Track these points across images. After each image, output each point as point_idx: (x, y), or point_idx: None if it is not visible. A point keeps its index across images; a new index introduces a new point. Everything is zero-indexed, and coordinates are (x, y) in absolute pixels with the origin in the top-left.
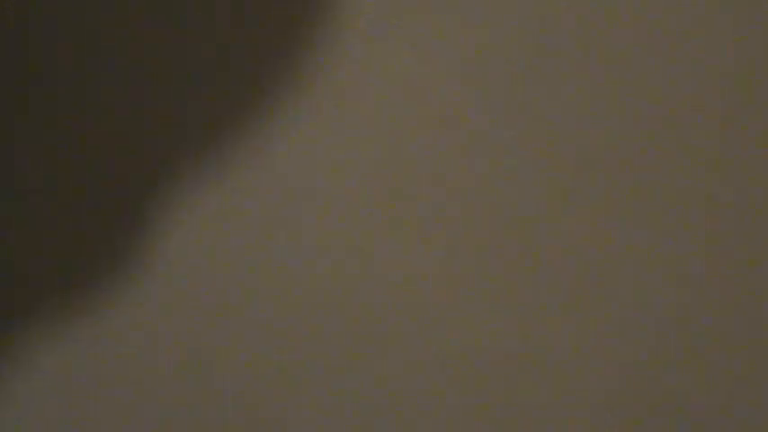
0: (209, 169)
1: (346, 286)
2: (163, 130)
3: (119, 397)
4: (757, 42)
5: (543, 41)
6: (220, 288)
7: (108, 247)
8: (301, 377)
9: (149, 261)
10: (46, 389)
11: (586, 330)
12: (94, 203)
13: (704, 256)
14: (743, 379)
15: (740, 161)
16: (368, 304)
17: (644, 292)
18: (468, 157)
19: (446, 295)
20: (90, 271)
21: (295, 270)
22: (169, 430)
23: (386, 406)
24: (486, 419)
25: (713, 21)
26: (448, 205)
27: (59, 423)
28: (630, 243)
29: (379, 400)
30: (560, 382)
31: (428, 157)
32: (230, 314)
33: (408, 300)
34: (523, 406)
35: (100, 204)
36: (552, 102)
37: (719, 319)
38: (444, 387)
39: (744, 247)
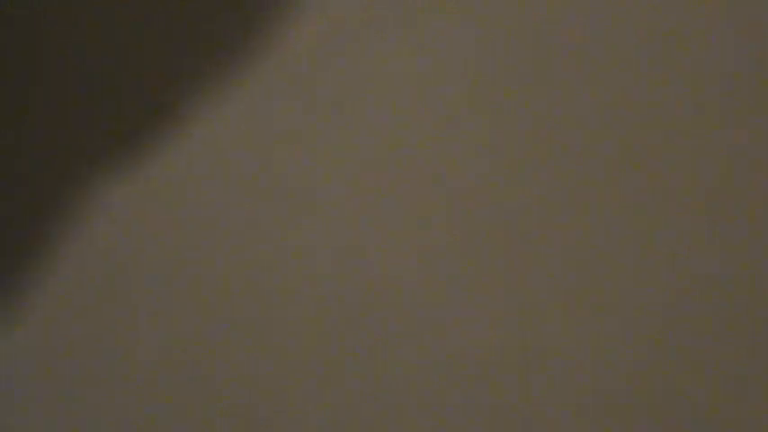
0: (209, 169)
1: (346, 286)
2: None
3: (115, 397)
4: (757, 42)
5: (543, 41)
6: (220, 288)
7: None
8: (301, 377)
9: (148, 260)
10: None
11: (586, 330)
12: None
13: (704, 256)
14: (743, 379)
15: (740, 161)
16: (367, 304)
17: (644, 291)
18: (467, 157)
19: (446, 295)
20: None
21: (295, 270)
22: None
23: (385, 406)
24: (485, 419)
25: (713, 21)
26: (448, 205)
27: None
28: (631, 243)
29: (379, 400)
30: (560, 382)
31: (428, 157)
32: (229, 314)
33: (408, 299)
34: (523, 406)
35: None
36: (552, 101)
37: (719, 319)
38: (444, 387)
39: (744, 247)
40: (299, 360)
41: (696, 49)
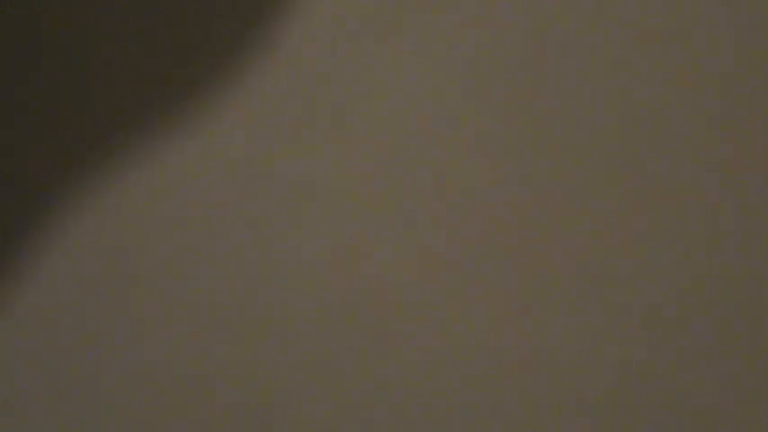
0: (208, 168)
1: (346, 286)
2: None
3: (115, 397)
4: (757, 42)
5: (543, 41)
6: (220, 287)
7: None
8: (301, 376)
9: (147, 260)
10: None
11: (587, 330)
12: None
13: (704, 256)
14: (743, 379)
15: (740, 161)
16: (367, 304)
17: (644, 291)
18: (467, 157)
19: (447, 295)
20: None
21: (295, 270)
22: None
23: (386, 406)
24: (485, 420)
25: (713, 21)
26: (448, 205)
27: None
28: (631, 243)
29: (379, 400)
30: (560, 382)
31: (428, 157)
32: (228, 313)
33: (409, 299)
34: (523, 406)
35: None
36: (552, 102)
37: (719, 319)
38: (444, 387)
39: (744, 247)
40: (299, 359)
41: (696, 49)
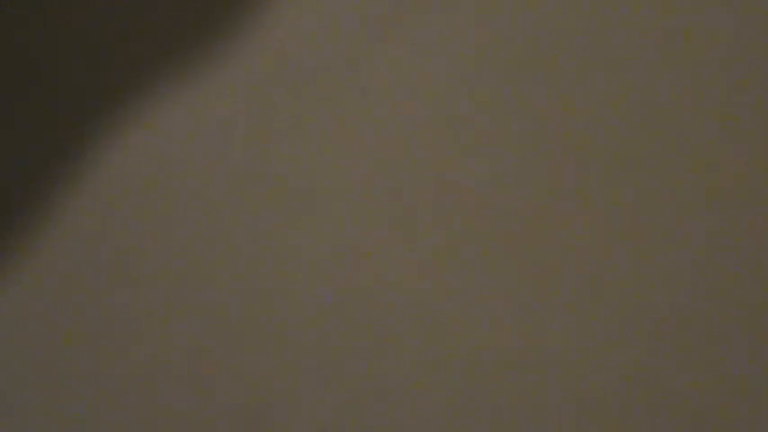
0: (208, 168)
1: (346, 286)
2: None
3: (114, 397)
4: (757, 42)
5: (543, 41)
6: (220, 287)
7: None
8: (301, 377)
9: (146, 259)
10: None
11: (586, 330)
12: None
13: (704, 256)
14: (743, 379)
15: (740, 160)
16: (367, 304)
17: (643, 292)
18: (468, 157)
19: (446, 295)
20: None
21: (295, 270)
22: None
23: (386, 406)
24: (485, 420)
25: (713, 20)
26: (448, 205)
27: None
28: (630, 243)
29: (379, 400)
30: (560, 382)
31: (428, 157)
32: (227, 313)
33: (408, 300)
34: (523, 406)
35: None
36: (552, 102)
37: (719, 319)
38: (444, 387)
39: (744, 246)
40: (298, 359)
41: (696, 48)
